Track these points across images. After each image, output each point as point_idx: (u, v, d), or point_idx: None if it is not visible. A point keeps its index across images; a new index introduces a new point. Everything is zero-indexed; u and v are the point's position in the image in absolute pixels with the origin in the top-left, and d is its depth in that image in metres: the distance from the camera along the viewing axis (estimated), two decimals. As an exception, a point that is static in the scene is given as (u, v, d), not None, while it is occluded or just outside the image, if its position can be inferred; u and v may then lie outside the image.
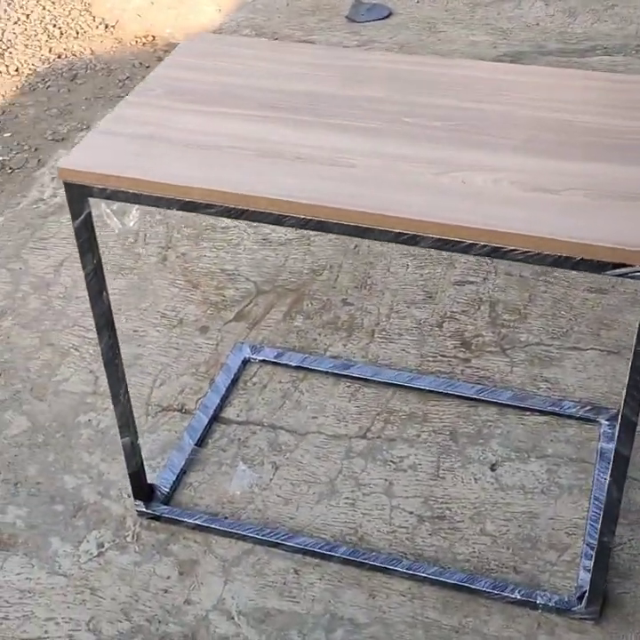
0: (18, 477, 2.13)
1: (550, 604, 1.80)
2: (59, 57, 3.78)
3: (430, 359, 2.35)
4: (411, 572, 1.87)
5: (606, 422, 2.15)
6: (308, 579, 1.89)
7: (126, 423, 1.88)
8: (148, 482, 2.03)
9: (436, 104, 1.65)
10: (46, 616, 1.85)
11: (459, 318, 2.47)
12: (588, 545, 1.90)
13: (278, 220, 1.46)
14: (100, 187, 1.53)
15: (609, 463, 2.01)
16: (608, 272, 1.35)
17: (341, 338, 2.43)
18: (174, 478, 2.07)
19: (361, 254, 2.67)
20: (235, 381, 2.31)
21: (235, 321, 2.50)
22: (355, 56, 1.86)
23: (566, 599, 1.80)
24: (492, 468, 2.09)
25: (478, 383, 2.27)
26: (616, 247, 1.32)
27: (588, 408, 2.18)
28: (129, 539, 1.98)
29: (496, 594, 1.83)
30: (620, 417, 1.52)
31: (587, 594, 1.78)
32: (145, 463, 2.09)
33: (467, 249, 1.39)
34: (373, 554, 1.91)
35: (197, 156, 1.54)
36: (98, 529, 2.00)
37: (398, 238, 1.42)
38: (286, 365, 2.34)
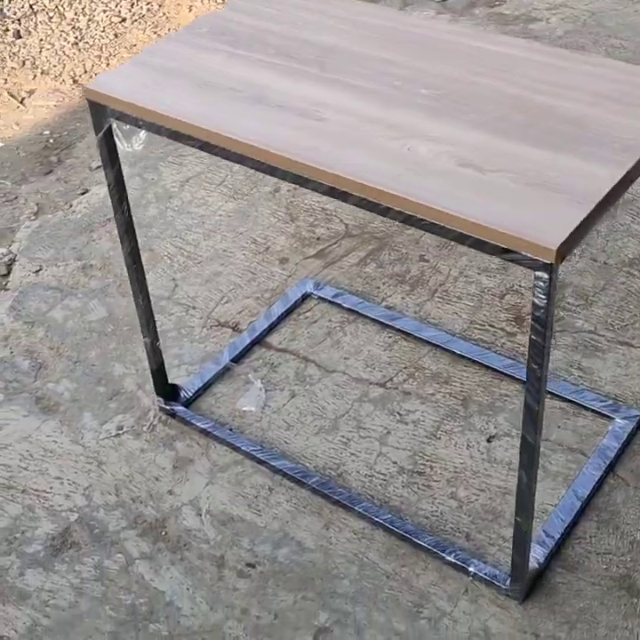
0: (80, 357, 2.42)
1: (480, 574, 1.85)
2: None
3: (477, 326, 2.39)
4: (368, 514, 1.97)
5: (621, 421, 2.11)
6: (277, 498, 2.05)
7: (146, 324, 2.09)
8: (174, 383, 2.25)
9: (437, 73, 1.70)
10: (56, 475, 2.13)
11: (523, 294, 2.47)
12: (543, 531, 1.92)
13: (240, 160, 1.60)
14: (111, 108, 1.73)
15: (605, 460, 2.02)
16: (498, 255, 1.38)
17: (403, 291, 2.51)
18: (200, 385, 2.28)
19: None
20: (289, 312, 2.46)
21: (314, 257, 2.64)
22: (395, 18, 1.92)
23: (496, 573, 1.84)
24: (488, 440, 2.13)
25: (511, 358, 2.28)
26: (504, 232, 1.35)
27: (607, 403, 2.15)
28: (145, 428, 2.22)
29: (435, 552, 1.89)
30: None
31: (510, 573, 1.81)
32: (184, 368, 2.32)
33: (384, 212, 1.46)
34: (341, 490, 2.03)
35: (197, 93, 1.70)
36: (124, 414, 2.25)
37: (331, 192, 1.51)
38: (340, 306, 2.47)
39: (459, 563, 1.87)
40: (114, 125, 1.74)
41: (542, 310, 1.40)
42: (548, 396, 2.20)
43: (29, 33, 3.84)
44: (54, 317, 2.52)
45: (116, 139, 1.75)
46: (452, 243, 2.63)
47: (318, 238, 2.70)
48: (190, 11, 3.96)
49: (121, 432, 2.22)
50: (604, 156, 1.48)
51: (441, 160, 1.49)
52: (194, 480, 2.10)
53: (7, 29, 3.85)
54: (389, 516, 1.97)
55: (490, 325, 2.39)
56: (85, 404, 2.29)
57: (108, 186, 1.87)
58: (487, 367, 2.27)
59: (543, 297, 1.38)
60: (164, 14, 3.94)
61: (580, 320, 2.38)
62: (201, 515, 2.03)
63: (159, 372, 2.19)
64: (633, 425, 2.10)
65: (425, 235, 2.67)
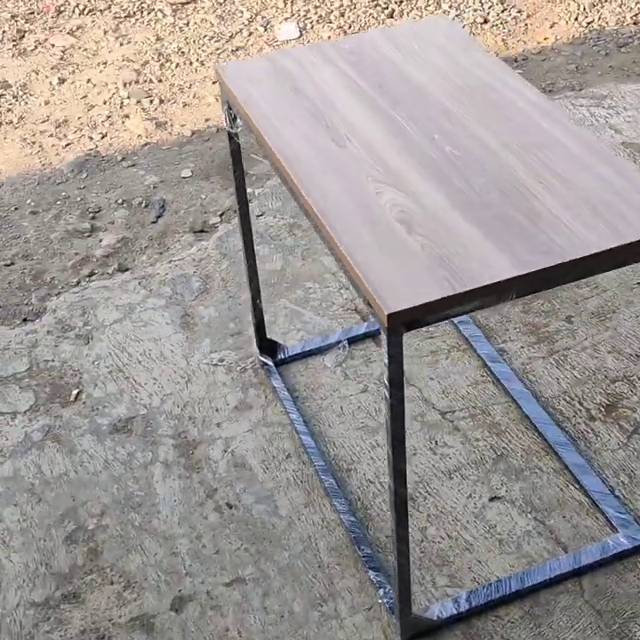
0: (236, 294, 2.79)
1: (385, 600, 1.95)
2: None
3: (567, 398, 2.36)
4: (340, 510, 2.14)
5: (622, 538, 2.02)
6: (288, 465, 2.29)
7: (250, 282, 2.40)
8: (275, 340, 2.54)
9: (475, 135, 1.77)
10: (155, 376, 2.55)
11: (636, 385, 2.38)
12: (466, 593, 1.95)
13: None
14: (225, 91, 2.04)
15: (576, 564, 2.00)
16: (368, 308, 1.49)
17: (527, 341, 2.53)
18: (299, 351, 2.55)
19: None
20: (414, 320, 2.62)
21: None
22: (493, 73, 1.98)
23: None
24: (491, 499, 2.16)
25: (570, 438, 2.25)
26: (365, 285, 1.47)
27: (623, 516, 2.06)
28: (238, 368, 2.54)
29: (366, 566, 2.02)
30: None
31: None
32: (302, 333, 2.61)
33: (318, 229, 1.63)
34: (334, 481, 2.21)
35: (283, 100, 1.95)
36: (231, 351, 2.60)
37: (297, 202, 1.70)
38: (459, 331, 2.57)
39: (376, 582, 1.99)
40: (225, 106, 2.06)
41: (387, 372, 1.50)
42: (577, 485, 2.16)
43: (401, 15, 4.19)
44: (241, 257, 2.92)
45: (224, 116, 2.06)
46: (607, 314, 2.59)
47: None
48: (551, 27, 4.03)
49: (220, 364, 2.57)
50: (520, 253, 1.51)
51: (388, 210, 1.61)
52: (241, 423, 2.40)
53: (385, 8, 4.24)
54: (355, 519, 2.12)
55: (579, 402, 2.36)
56: (212, 332, 2.67)
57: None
58: (543, 437, 2.27)
59: (386, 359, 1.49)
60: (526, 26, 4.06)
61: (667, 432, 2.26)
62: (226, 451, 2.33)
63: (259, 328, 2.50)
64: (629, 546, 2.01)
65: (589, 299, 2.64)
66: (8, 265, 3.04)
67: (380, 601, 1.98)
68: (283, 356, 2.55)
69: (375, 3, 4.27)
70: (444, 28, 2.14)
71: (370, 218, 1.61)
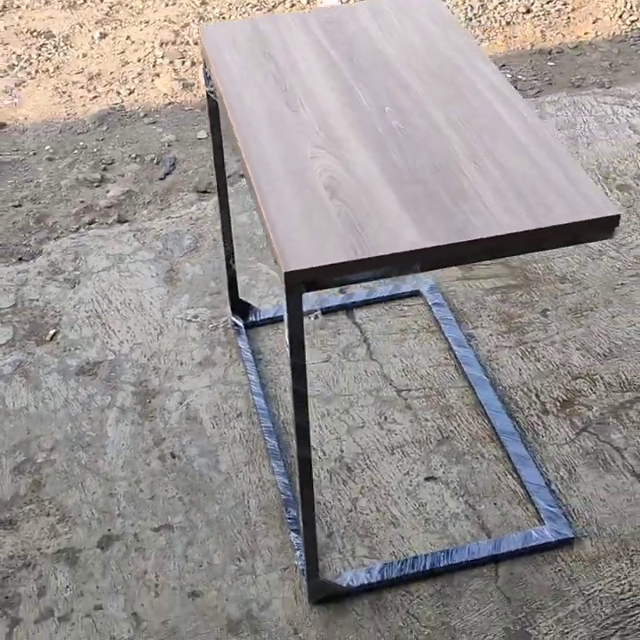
0: (221, 255, 2.83)
1: (299, 563, 1.98)
2: None
3: (525, 390, 2.36)
4: (276, 471, 2.18)
5: (548, 531, 2.02)
6: (237, 423, 2.33)
7: (224, 242, 2.44)
8: (248, 302, 2.57)
9: (427, 112, 1.78)
10: (129, 325, 2.61)
11: (595, 385, 2.36)
12: (382, 565, 1.97)
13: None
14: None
15: (496, 549, 2.00)
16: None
17: (497, 329, 2.53)
18: (271, 316, 2.58)
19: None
20: (391, 299, 2.63)
21: (459, 269, 2.73)
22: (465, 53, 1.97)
23: (307, 568, 1.96)
24: (426, 479, 2.17)
25: (517, 428, 2.24)
26: (275, 247, 1.49)
27: (553, 510, 2.06)
28: (210, 326, 2.59)
29: (290, 528, 2.06)
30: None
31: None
32: (278, 299, 2.64)
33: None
34: (275, 443, 2.24)
35: (249, 66, 1.98)
36: (206, 308, 2.64)
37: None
38: (433, 314, 2.57)
39: (295, 544, 2.02)
40: (202, 65, 2.09)
41: (287, 330, 1.53)
42: (515, 475, 2.16)
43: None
44: (241, 220, 2.95)
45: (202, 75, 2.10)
46: (584, 311, 2.57)
47: (478, 254, 2.78)
48: (594, 22, 3.97)
49: (193, 320, 2.62)
50: (432, 229, 1.51)
51: (318, 175, 1.63)
52: (202, 379, 2.44)
53: None
54: (288, 482, 2.16)
55: (536, 394, 2.35)
56: (192, 289, 2.72)
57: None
58: (492, 425, 2.27)
59: (286, 317, 1.52)
60: (568, 19, 4.01)
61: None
62: (181, 404, 2.38)
63: (232, 288, 2.53)
64: (552, 539, 2.01)
65: (569, 295, 2.62)
66: (16, 206, 3.12)
67: (295, 563, 2.02)
68: (254, 319, 2.58)
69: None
70: (428, 5, 2.14)
71: (298, 180, 1.63)
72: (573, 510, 2.09)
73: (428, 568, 1.98)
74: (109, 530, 2.11)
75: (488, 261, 2.73)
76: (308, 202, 1.59)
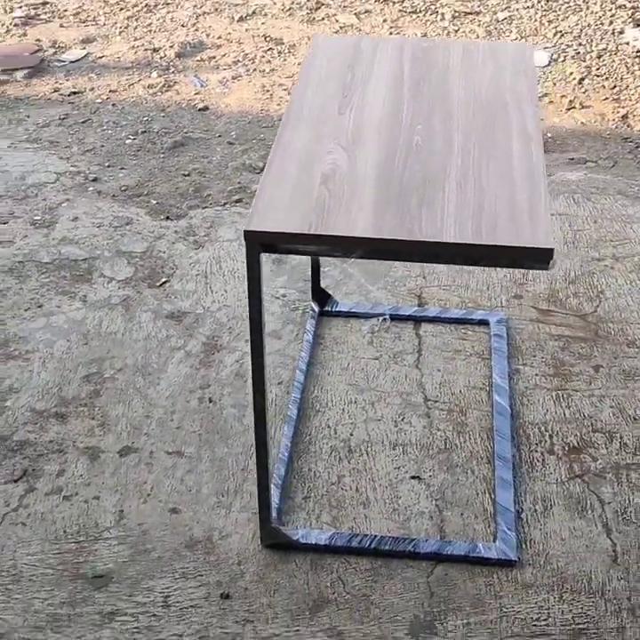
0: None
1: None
2: None
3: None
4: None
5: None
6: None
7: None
8: (328, 293, 2.83)
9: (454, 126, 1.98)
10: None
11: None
12: (332, 534, 2.16)
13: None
14: (305, 54, 2.36)
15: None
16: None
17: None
18: (347, 310, 2.82)
19: None
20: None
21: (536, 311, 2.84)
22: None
23: (270, 519, 2.18)
24: (412, 477, 2.33)
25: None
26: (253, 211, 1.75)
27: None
28: (294, 305, 2.87)
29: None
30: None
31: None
32: (358, 297, 2.88)
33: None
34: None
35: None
36: (295, 290, 2.92)
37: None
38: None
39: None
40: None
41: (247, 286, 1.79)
42: (492, 496, 2.28)
43: None
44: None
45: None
46: (636, 377, 2.61)
47: (561, 303, 2.88)
48: None
49: (281, 297, 2.92)
50: (384, 224, 1.72)
51: (324, 164, 1.88)
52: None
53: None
54: (289, 445, 2.39)
55: (549, 435, 2.44)
56: (292, 273, 3.02)
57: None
58: (493, 448, 2.39)
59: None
60: None
61: (609, 488, 2.29)
62: (237, 362, 2.68)
63: (315, 277, 2.80)
64: (494, 556, 2.11)
65: (630, 359, 2.66)
66: (185, 175, 3.56)
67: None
68: (329, 309, 2.84)
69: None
70: (518, 54, 2.32)
71: (304, 165, 1.89)
72: (531, 539, 2.18)
73: (372, 547, 2.15)
74: (133, 443, 2.45)
75: (565, 313, 2.83)
76: (301, 183, 1.84)
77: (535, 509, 2.26)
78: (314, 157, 1.92)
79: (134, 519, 2.25)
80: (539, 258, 1.67)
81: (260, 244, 1.73)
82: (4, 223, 3.28)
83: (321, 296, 2.85)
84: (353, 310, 2.85)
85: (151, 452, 2.42)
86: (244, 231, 1.72)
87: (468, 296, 2.92)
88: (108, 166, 3.61)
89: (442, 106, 2.10)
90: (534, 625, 2.01)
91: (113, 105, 4.02)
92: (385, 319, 2.80)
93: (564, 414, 2.51)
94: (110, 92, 4.12)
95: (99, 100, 4.06)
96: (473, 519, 2.24)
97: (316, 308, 2.84)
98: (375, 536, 2.18)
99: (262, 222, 1.73)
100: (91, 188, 3.47)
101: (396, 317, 2.83)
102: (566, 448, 2.42)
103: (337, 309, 2.85)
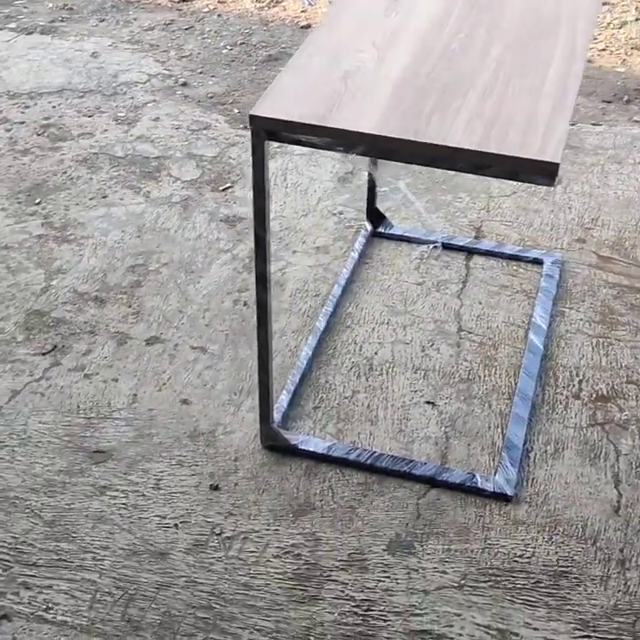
0: (401, 177, 3.04)
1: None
2: None
3: (572, 372, 2.35)
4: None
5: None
6: (309, 299, 2.58)
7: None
8: (383, 213, 2.78)
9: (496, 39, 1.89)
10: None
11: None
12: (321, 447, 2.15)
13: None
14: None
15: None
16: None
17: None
18: (400, 234, 2.77)
19: None
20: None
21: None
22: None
23: (274, 420, 2.18)
24: (427, 402, 2.28)
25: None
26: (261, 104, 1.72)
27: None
28: (348, 223, 2.84)
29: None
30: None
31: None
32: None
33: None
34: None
35: None
36: (353, 209, 2.88)
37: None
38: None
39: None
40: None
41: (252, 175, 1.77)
42: (504, 431, 2.21)
43: None
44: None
45: None
46: None
47: (625, 252, 2.74)
48: None
49: (336, 214, 2.88)
50: (387, 124, 1.67)
51: (351, 61, 1.83)
52: (310, 258, 2.72)
53: None
54: (310, 355, 2.38)
55: (579, 381, 2.34)
56: (354, 192, 2.98)
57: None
58: (516, 385, 2.31)
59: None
60: None
61: None
62: (280, 270, 2.67)
63: (371, 197, 2.75)
64: (489, 489, 2.06)
65: None
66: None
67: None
68: (382, 230, 2.79)
69: None
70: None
71: (330, 60, 1.85)
72: (533, 478, 2.11)
73: (368, 463, 2.13)
74: (161, 333, 2.49)
75: (627, 262, 2.70)
76: (322, 76, 1.80)
77: (545, 450, 2.18)
78: (342, 54, 1.87)
79: (146, 404, 2.30)
80: (542, 171, 1.59)
81: (264, 130, 1.71)
82: (89, 116, 3.35)
83: (376, 217, 2.80)
84: (406, 234, 2.79)
85: (177, 344, 2.45)
86: (249, 115, 1.70)
87: (528, 234, 2.82)
88: (200, 73, 3.63)
89: (492, 15, 2.01)
90: (515, 561, 1.96)
91: (218, 15, 4.03)
92: (436, 247, 2.74)
93: (600, 362, 2.41)
94: (219, 2, 4.13)
95: (206, 10, 4.08)
96: (479, 451, 2.18)
97: (369, 228, 2.80)
98: (374, 452, 2.15)
99: (269, 108, 1.70)
100: (178, 92, 3.50)
101: (448, 246, 2.76)
102: (594, 395, 2.32)
103: (390, 232, 2.80)
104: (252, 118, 1.70)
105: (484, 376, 2.37)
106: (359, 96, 1.74)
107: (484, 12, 2.02)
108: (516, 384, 2.33)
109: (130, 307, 2.57)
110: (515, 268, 2.70)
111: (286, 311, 2.55)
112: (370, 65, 1.84)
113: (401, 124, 1.67)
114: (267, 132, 1.71)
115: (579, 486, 2.11)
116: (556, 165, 1.59)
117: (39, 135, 3.25)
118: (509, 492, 2.07)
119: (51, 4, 4.06)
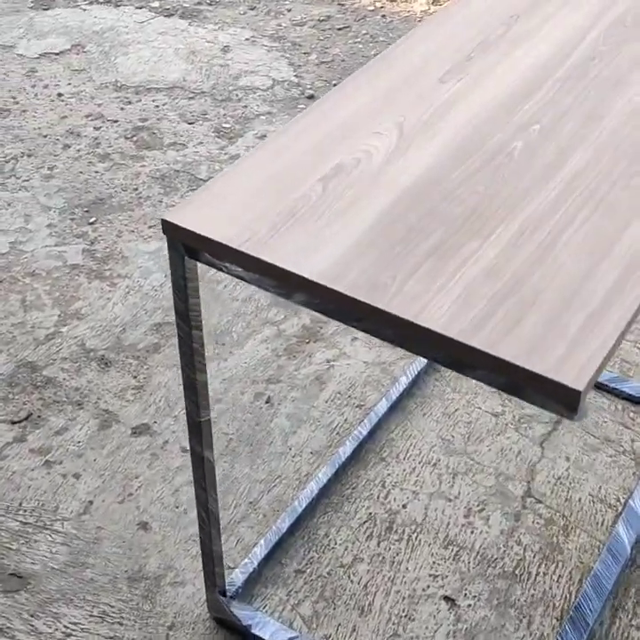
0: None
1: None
2: None
3: None
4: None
5: None
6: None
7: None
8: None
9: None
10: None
11: None
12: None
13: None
14: None
15: None
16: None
17: None
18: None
19: None
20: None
21: None
22: None
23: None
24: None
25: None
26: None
27: None
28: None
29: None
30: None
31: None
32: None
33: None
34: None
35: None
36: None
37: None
38: None
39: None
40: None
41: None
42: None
43: None
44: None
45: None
46: None
47: None
48: None
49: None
50: (361, 281, 1.08)
51: (352, 146, 1.25)
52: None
53: None
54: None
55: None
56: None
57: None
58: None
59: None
60: None
61: None
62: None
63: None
64: None
65: None
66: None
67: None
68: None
69: None
70: None
71: (324, 143, 1.28)
72: None
73: None
74: (154, 423, 2.00)
75: None
76: (292, 171, 1.23)
77: None
78: (348, 134, 1.29)
79: (97, 519, 1.83)
80: (556, 396, 0.97)
81: (183, 244, 1.17)
82: (190, 123, 2.91)
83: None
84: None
85: (166, 441, 1.97)
86: (162, 220, 1.16)
87: (666, 368, 2.12)
88: (335, 84, 3.10)
89: (601, 102, 1.36)
90: None
91: (382, 16, 3.47)
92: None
93: None
94: (388, 1, 3.56)
95: (371, 8, 3.52)
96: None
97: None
98: None
99: (191, 216, 1.16)
100: (300, 106, 2.99)
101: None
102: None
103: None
104: (166, 226, 1.16)
105: (537, 574, 1.73)
106: (332, 210, 1.17)
107: (586, 93, 1.38)
108: (575, 598, 1.69)
109: (135, 378, 2.11)
110: (632, 415, 2.02)
111: (314, 422, 2.00)
112: (375, 161, 1.26)
113: (367, 275, 1.08)
114: (185, 247, 1.17)
115: None
116: (578, 394, 0.96)
117: (127, 139, 2.84)
118: None
119: (204, -16, 3.65)
